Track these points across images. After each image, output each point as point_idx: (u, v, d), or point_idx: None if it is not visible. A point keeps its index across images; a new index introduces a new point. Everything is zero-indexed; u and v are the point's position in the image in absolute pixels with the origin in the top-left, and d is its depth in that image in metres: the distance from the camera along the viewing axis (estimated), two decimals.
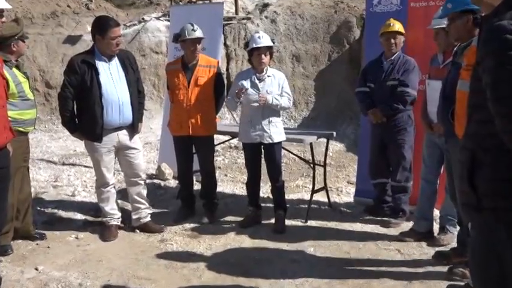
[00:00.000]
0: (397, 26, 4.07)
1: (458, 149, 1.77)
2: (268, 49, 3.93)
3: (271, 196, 4.27)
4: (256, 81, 3.95)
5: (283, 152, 4.43)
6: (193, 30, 4.06)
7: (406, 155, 4.11)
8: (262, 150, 4.08)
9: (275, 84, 3.96)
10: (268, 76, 3.97)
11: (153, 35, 8.23)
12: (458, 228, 3.43)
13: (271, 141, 3.97)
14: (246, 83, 3.94)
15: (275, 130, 3.98)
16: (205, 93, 4.16)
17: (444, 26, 3.39)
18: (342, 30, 7.76)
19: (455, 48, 3.23)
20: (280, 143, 4.08)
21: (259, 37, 3.89)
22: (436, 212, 3.89)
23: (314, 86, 7.75)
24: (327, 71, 7.76)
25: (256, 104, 3.89)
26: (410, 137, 4.12)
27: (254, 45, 3.87)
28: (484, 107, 1.56)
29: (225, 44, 7.99)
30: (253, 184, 4.21)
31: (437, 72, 3.59)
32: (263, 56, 3.89)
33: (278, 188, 4.14)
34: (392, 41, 4.07)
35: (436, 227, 3.84)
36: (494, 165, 1.57)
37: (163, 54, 8.08)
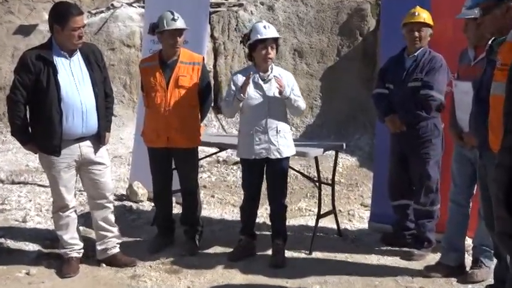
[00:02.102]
0: (424, 16, 4.10)
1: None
2: (275, 41, 3.96)
3: (267, 222, 4.27)
4: (260, 82, 3.96)
5: None
6: (173, 19, 4.09)
7: (431, 173, 4.12)
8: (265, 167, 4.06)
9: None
10: (274, 76, 3.98)
11: (124, 25, 8.25)
12: (495, 261, 3.44)
13: (279, 156, 3.98)
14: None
15: (284, 142, 3.98)
16: (188, 96, 4.17)
17: (475, 16, 3.43)
18: (353, 19, 7.82)
19: (489, 42, 3.25)
20: (288, 158, 4.09)
21: (264, 27, 3.91)
22: (469, 242, 3.91)
23: (320, 87, 7.79)
24: (335, 68, 7.80)
25: (259, 101, 3.89)
26: (436, 151, 4.14)
27: (259, 37, 3.88)
28: None
29: (211, 36, 8.03)
30: (250, 208, 4.20)
31: (468, 71, 3.62)
32: (269, 49, 3.91)
33: (280, 213, 4.14)
34: (417, 33, 4.11)
35: (468, 260, 3.85)
36: None
37: (136, 48, 8.10)
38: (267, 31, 3.90)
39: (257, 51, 3.93)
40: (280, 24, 7.98)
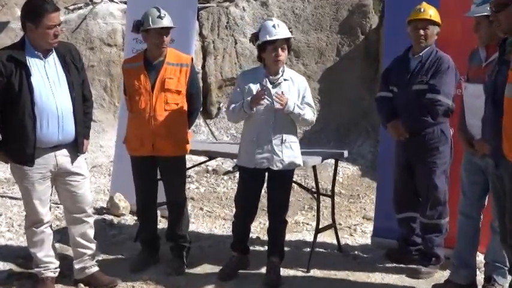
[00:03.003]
0: (431, 13, 4.12)
1: None
2: (286, 42, 3.95)
3: (262, 237, 4.27)
4: (269, 86, 3.95)
5: None
6: (159, 17, 4.09)
7: (438, 183, 4.13)
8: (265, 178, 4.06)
9: (294, 91, 3.96)
10: (285, 80, 3.98)
11: (105, 22, 8.26)
12: (509, 278, 3.45)
13: (282, 168, 3.98)
14: (255, 88, 3.93)
15: (289, 153, 3.97)
16: (175, 100, 4.17)
17: (487, 13, 3.45)
18: (354, 16, 7.87)
19: (507, 41, 3.26)
20: (293, 170, 4.10)
21: (274, 26, 3.90)
22: (481, 257, 3.92)
23: (319, 89, 7.82)
24: (335, 69, 7.83)
25: (263, 104, 3.86)
26: (444, 159, 4.15)
27: (268, 38, 3.87)
28: None
29: (200, 34, 8.05)
30: (245, 222, 4.20)
31: (478, 72, 3.64)
32: (280, 51, 3.90)
33: (279, 229, 4.14)
34: (422, 31, 4.13)
35: (480, 277, 3.86)
36: None
37: (118, 47, 8.11)
38: (278, 30, 3.88)
39: (266, 52, 3.92)
40: None
